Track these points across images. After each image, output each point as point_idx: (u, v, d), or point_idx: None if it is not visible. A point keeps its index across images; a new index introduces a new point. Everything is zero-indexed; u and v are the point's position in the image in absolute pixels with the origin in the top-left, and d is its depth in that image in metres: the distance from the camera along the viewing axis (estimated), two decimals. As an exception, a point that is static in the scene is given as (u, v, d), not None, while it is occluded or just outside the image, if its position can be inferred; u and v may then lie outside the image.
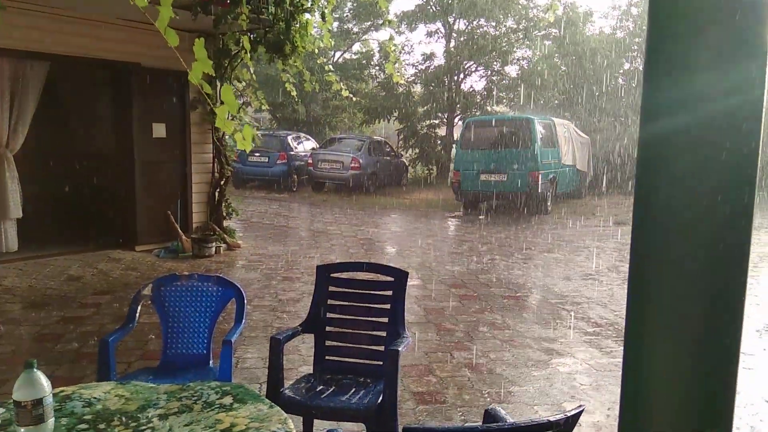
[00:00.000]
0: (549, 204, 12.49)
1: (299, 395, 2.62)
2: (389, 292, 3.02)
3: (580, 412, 1.55)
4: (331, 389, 2.72)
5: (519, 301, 6.29)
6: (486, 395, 3.91)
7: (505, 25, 19.84)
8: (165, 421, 1.81)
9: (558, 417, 1.46)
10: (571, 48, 20.52)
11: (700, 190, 0.56)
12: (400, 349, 2.61)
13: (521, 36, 20.00)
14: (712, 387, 0.56)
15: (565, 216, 12.40)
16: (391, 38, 6.49)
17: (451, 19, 20.41)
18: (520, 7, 19.67)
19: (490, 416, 2.02)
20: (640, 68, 22.73)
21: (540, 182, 11.91)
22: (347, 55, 23.28)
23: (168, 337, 2.99)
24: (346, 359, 2.99)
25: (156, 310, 3.05)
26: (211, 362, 2.97)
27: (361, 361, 2.97)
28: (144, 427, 1.76)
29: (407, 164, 20.31)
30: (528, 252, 8.94)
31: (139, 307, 2.98)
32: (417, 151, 20.81)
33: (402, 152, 20.79)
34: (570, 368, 4.36)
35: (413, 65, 20.71)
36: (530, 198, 11.98)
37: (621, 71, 22.61)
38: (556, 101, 20.90)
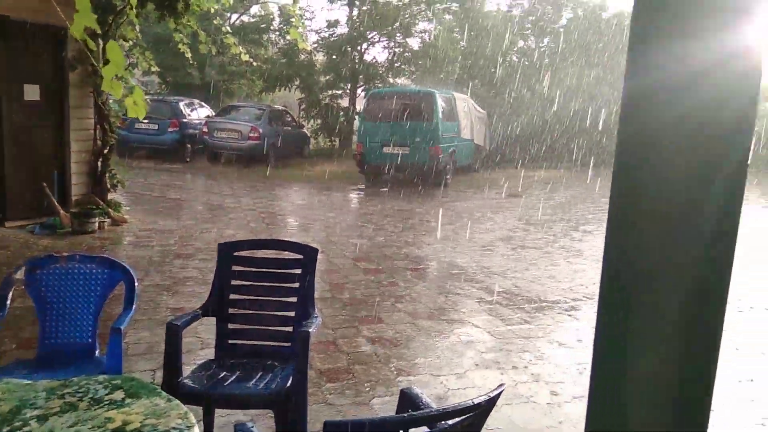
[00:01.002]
0: (449, 177, 12.79)
1: (200, 384, 2.44)
2: (298, 270, 2.89)
3: (501, 392, 1.54)
4: (236, 375, 2.56)
5: (422, 273, 6.39)
6: (393, 368, 3.92)
7: (408, -4, 19.83)
8: (45, 423, 1.59)
9: (481, 399, 1.44)
10: (470, 23, 20.94)
11: (689, 171, 0.50)
12: (311, 330, 2.50)
13: (423, 8, 20.07)
14: (692, 377, 0.51)
15: (464, 189, 12.78)
16: (296, 1, 6.16)
17: (354, -13, 20.03)
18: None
19: (406, 396, 1.98)
20: (532, 46, 23.83)
21: (441, 156, 12.13)
22: (245, 18, 22.16)
23: (46, 325, 2.67)
24: (252, 342, 2.84)
25: (31, 295, 2.71)
26: (97, 352, 2.69)
27: (268, 343, 2.83)
28: (19, 432, 1.53)
29: (309, 135, 19.92)
30: (430, 224, 9.10)
31: (10, 293, 2.63)
32: (319, 121, 20.44)
33: (304, 122, 20.33)
34: (472, 337, 4.49)
35: (316, 32, 20.17)
36: (432, 171, 12.19)
37: (516, 49, 23.49)
38: (455, 76, 21.33)
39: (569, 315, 5.06)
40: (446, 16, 20.84)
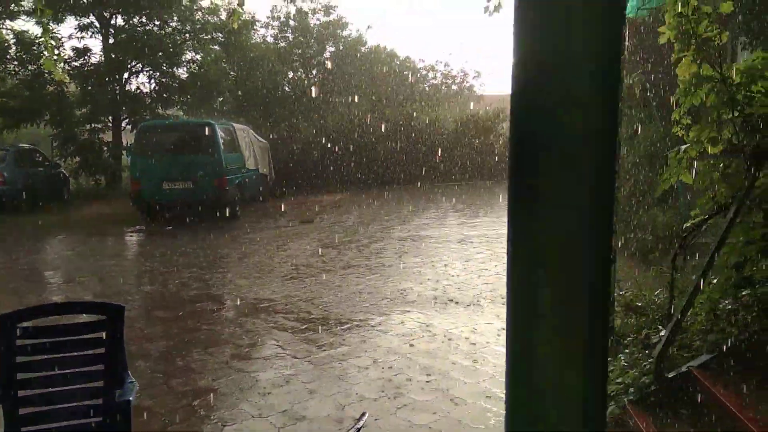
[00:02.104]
0: (238, 209, 12.49)
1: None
2: (102, 334, 2.55)
3: (366, 418, 1.57)
4: (40, 469, 2.15)
5: (228, 312, 6.12)
6: (215, 419, 3.69)
7: (170, 26, 18.90)
8: None
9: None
10: (238, 54, 20.83)
11: (568, 172, 0.59)
12: (131, 398, 2.23)
13: (188, 37, 19.37)
14: (592, 371, 0.61)
15: (256, 220, 12.58)
16: (47, 30, 5.45)
17: (106, 14, 18.39)
18: (184, 7, 18.97)
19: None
20: (303, 77, 24.68)
21: (228, 188, 11.80)
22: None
23: None
24: (53, 425, 2.42)
25: None
26: None
27: (75, 422, 2.44)
28: None
29: (68, 175, 17.65)
30: (226, 260, 8.76)
31: None
32: (78, 159, 18.25)
33: (59, 162, 17.96)
34: (293, 369, 4.44)
35: (65, 61, 17.97)
36: (219, 204, 11.76)
37: (287, 79, 24.07)
38: (229, 106, 20.97)
39: (378, 330, 5.32)
40: (213, 46, 20.41)
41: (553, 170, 0.59)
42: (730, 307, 3.45)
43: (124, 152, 18.33)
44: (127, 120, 18.90)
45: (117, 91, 18.46)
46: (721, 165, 3.61)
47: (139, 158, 12.00)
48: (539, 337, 0.62)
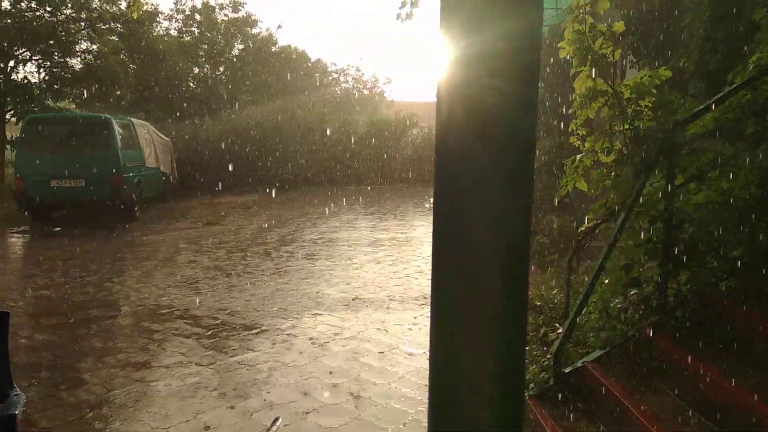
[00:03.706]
0: (137, 209, 11.80)
1: None
2: (-19, 343, 2.31)
3: (279, 423, 1.53)
4: None
5: (125, 319, 5.76)
6: (112, 433, 3.45)
7: (63, 13, 17.56)
8: None
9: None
10: (139, 46, 19.75)
11: (490, 177, 0.60)
12: (17, 412, 2.03)
13: (84, 26, 18.10)
14: (508, 361, 0.63)
15: (155, 221, 11.95)
16: None
17: (-12, -5, 16.77)
18: (80, -6, 17.71)
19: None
20: (209, 74, 23.85)
21: (125, 187, 11.12)
22: None
23: None
24: None
25: None
26: None
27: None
28: None
29: (-61, 170, 15.89)
30: (123, 263, 8.25)
31: None
32: (-47, 152, 16.49)
33: (-71, 154, 16.12)
34: (196, 378, 4.26)
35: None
36: (115, 204, 11.06)
37: (192, 75, 23.16)
38: (128, 101, 19.82)
39: (288, 335, 5.23)
40: (111, 37, 19.18)
41: (476, 174, 0.60)
42: (620, 305, 3.73)
43: (8, 146, 16.78)
44: (12, 112, 17.34)
45: (1, 80, 16.88)
46: (612, 173, 3.90)
47: (26, 153, 11.03)
48: (461, 341, 0.62)
